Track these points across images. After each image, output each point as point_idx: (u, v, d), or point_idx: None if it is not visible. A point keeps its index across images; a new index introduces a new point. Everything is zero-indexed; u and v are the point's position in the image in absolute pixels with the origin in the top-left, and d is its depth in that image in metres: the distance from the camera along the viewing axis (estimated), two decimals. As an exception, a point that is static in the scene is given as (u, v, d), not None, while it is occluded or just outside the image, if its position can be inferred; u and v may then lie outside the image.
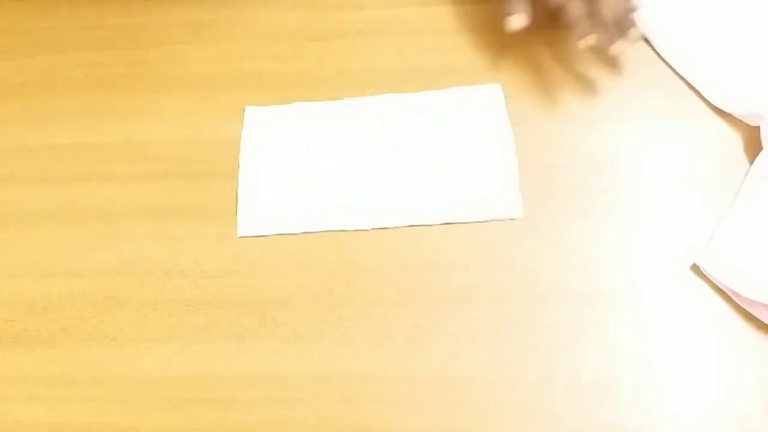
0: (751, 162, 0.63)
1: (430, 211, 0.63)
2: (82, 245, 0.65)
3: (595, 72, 0.68)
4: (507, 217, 0.62)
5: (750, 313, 0.58)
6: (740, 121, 0.64)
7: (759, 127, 0.63)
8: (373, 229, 0.63)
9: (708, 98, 0.65)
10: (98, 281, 0.63)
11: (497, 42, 0.70)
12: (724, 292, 0.59)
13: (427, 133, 0.66)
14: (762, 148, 0.62)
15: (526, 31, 0.70)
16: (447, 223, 0.63)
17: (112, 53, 0.72)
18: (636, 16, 0.63)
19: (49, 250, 0.65)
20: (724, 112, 0.65)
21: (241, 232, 0.63)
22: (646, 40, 0.68)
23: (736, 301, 0.58)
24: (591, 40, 0.61)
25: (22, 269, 0.65)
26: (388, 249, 0.62)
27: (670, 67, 0.67)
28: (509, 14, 0.63)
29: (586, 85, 0.67)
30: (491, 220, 0.63)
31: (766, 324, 0.58)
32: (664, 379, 0.57)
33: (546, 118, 0.66)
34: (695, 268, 0.60)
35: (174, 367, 0.60)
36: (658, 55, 0.68)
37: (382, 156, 0.65)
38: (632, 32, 0.63)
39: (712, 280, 0.59)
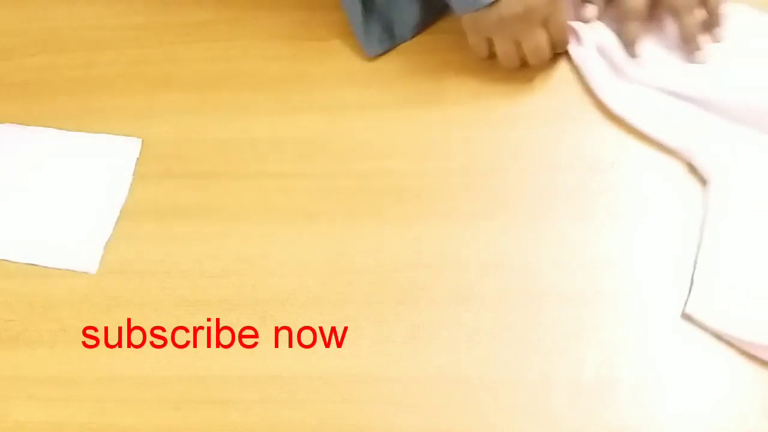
0: (751, 162, 0.63)
1: (16, 246, 0.65)
2: (82, 245, 0.65)
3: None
4: (77, 269, 0.63)
5: (750, 314, 0.58)
6: (740, 121, 0.64)
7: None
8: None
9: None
10: (98, 281, 0.63)
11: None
12: (724, 293, 0.58)
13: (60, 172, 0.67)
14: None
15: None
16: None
17: (112, 53, 0.72)
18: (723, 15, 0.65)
19: (49, 250, 0.65)
20: (723, 112, 0.65)
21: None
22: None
23: (739, 346, 0.56)
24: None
25: (22, 269, 0.65)
26: (388, 249, 0.62)
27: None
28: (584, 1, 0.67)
29: (586, 86, 0.67)
30: (66, 269, 0.63)
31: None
32: (664, 379, 0.57)
33: (546, 118, 0.66)
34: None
35: (174, 367, 0.60)
36: None
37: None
38: (716, 31, 0.65)
39: (707, 329, 0.57)
